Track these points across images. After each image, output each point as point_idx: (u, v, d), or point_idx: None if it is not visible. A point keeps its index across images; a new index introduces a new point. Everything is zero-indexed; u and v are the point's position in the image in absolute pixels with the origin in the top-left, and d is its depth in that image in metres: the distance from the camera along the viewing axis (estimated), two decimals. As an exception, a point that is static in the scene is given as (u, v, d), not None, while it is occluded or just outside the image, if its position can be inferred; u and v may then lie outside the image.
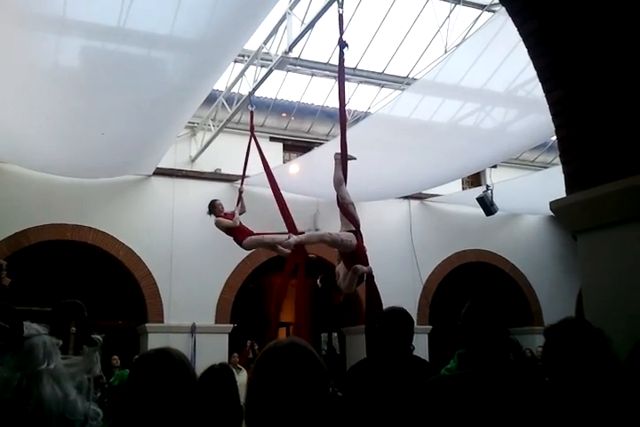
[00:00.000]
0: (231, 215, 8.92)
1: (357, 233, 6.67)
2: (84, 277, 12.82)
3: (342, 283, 6.64)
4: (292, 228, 8.09)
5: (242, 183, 9.85)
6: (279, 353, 1.70)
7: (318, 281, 7.02)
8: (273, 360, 1.68)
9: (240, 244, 8.87)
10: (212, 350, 11.23)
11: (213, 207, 8.93)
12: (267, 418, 1.62)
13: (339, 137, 6.95)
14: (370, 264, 6.68)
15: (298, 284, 8.43)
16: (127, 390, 1.98)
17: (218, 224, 8.89)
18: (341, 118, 6.95)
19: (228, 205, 9.42)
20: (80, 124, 8.99)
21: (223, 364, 3.56)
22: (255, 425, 1.65)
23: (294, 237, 7.13)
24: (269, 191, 8.84)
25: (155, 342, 11.10)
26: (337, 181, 6.76)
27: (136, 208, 12.12)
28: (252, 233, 8.72)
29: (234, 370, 4.21)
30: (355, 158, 6.97)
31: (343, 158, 6.70)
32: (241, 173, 9.92)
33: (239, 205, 9.35)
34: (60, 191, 11.47)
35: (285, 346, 1.71)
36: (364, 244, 6.80)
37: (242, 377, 9.33)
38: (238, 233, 8.75)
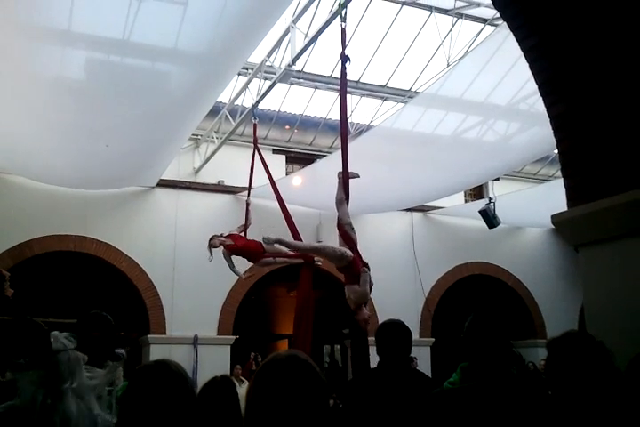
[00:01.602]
0: (233, 237, 8.86)
1: (354, 252, 6.60)
2: (86, 288, 12.81)
3: (356, 295, 6.50)
4: (297, 238, 8.16)
5: (248, 195, 9.82)
6: (278, 365, 1.70)
7: (345, 331, 6.87)
8: (272, 372, 1.69)
9: (253, 262, 8.94)
10: (214, 362, 11.22)
11: (211, 246, 8.71)
12: None
13: (340, 154, 6.87)
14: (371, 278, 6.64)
15: (300, 296, 8.42)
16: (125, 401, 2.00)
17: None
18: (343, 136, 6.84)
19: (232, 217, 9.43)
20: (84, 136, 9.03)
21: (225, 376, 3.56)
22: None
23: (276, 237, 6.90)
24: (273, 203, 8.86)
25: (157, 353, 11.08)
26: (338, 200, 6.72)
27: (139, 220, 12.14)
28: (260, 248, 8.67)
29: (236, 382, 4.20)
30: (357, 176, 6.91)
31: (345, 178, 6.66)
32: (244, 185, 9.96)
33: (248, 220, 9.34)
34: (64, 202, 11.50)
35: (285, 358, 1.72)
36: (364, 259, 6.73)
37: (244, 389, 9.27)
38: (247, 251, 8.72)
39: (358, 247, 6.70)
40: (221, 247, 8.73)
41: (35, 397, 2.46)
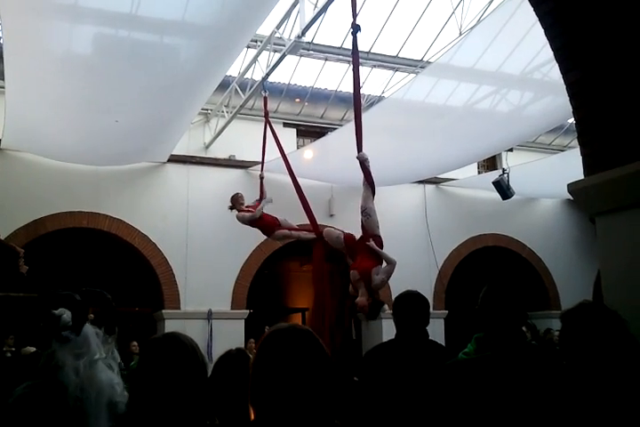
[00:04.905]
0: (253, 207, 8.77)
1: (366, 238, 6.25)
2: (100, 264, 12.93)
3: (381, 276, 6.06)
4: (309, 214, 8.12)
5: (261, 169, 9.71)
6: (280, 336, 1.74)
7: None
8: (274, 343, 1.72)
9: (267, 235, 8.90)
10: (228, 336, 11.32)
11: (235, 201, 8.74)
12: (270, 399, 1.65)
13: (353, 128, 6.57)
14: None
15: (314, 271, 8.40)
16: (136, 374, 2.03)
17: (240, 220, 8.73)
18: (356, 112, 6.54)
19: (244, 192, 9.37)
20: (94, 112, 9.01)
21: (240, 349, 3.57)
22: (259, 406, 1.69)
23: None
24: (284, 177, 8.80)
25: (172, 328, 11.14)
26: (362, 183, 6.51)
27: (151, 195, 12.17)
28: (276, 222, 8.63)
29: (250, 355, 4.21)
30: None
31: (360, 161, 6.41)
32: (255, 160, 9.90)
33: (263, 195, 9.24)
34: (76, 179, 11.53)
35: (285, 329, 1.76)
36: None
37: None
38: (263, 224, 8.68)
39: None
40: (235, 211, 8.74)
41: (77, 368, 2.61)
